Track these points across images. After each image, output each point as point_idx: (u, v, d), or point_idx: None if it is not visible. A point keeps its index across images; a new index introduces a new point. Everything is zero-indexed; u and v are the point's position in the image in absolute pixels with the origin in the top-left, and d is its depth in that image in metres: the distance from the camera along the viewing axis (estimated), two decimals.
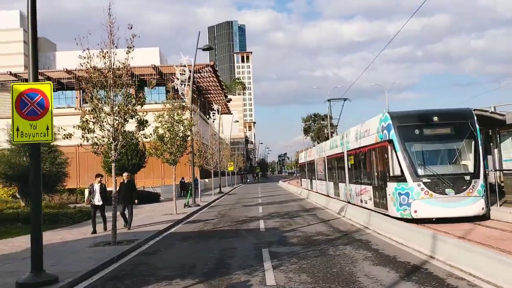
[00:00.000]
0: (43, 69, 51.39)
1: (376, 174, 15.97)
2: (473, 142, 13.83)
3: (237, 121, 65.70)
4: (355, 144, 18.79)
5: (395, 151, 13.99)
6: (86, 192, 31.25)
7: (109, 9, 11.75)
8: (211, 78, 55.18)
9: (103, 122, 11.43)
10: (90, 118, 11.34)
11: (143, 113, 12.34)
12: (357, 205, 17.89)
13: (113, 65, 11.69)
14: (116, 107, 11.46)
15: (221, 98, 65.81)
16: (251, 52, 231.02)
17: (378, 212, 14.69)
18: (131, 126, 12.22)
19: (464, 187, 13.28)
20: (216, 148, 36.32)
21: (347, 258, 8.98)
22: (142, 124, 12.27)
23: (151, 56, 51.56)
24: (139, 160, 31.18)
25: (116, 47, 11.75)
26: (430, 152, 14.19)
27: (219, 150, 40.49)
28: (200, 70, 50.06)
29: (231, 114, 73.02)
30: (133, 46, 12.22)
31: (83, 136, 11.24)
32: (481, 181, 13.45)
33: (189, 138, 20.62)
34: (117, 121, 11.53)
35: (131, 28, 12.17)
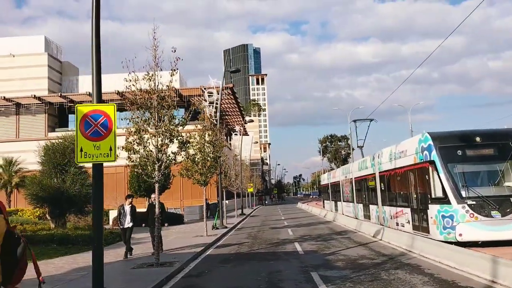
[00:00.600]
0: (66, 93, 52.51)
1: (415, 196, 15.66)
2: None
3: (256, 142, 65.71)
4: (389, 165, 18.54)
5: (437, 172, 13.73)
6: (112, 213, 31.42)
7: (154, 32, 11.97)
8: (229, 100, 55.55)
9: (146, 143, 11.51)
10: (135, 139, 11.42)
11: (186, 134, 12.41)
12: (391, 228, 17.53)
13: (157, 87, 11.84)
14: (162, 128, 11.52)
15: (239, 119, 66.14)
16: (266, 74, 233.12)
17: (418, 235, 14.34)
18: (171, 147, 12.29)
19: (510, 210, 12.92)
20: (238, 169, 36.23)
21: (405, 283, 8.71)
22: (184, 144, 12.30)
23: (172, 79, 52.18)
24: (164, 181, 31.25)
25: (161, 69, 11.92)
26: (473, 173, 13.89)
27: (241, 172, 40.42)
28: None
29: (248, 135, 73.21)
30: (177, 69, 12.41)
31: (128, 157, 11.30)
32: None
33: (220, 159, 20.60)
34: (161, 142, 11.60)
35: (175, 51, 12.35)
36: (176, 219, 29.98)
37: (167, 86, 12.00)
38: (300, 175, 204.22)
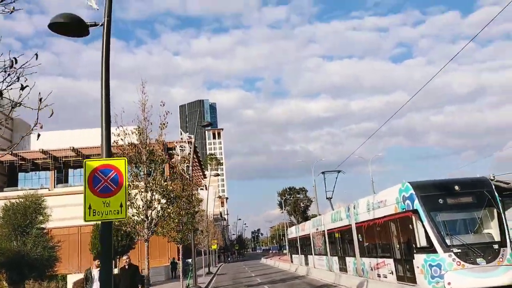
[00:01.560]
0: (18, 150, 50.18)
1: (398, 246, 15.79)
2: (495, 210, 14.07)
3: (220, 197, 64.84)
4: (366, 215, 18.72)
5: (421, 221, 13.99)
6: (70, 278, 29.24)
7: (143, 87, 11.90)
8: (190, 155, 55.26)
9: (134, 199, 11.08)
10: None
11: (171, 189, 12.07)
12: (373, 280, 17.43)
13: (146, 140, 11.60)
14: (152, 183, 11.17)
15: (199, 174, 65.42)
16: (222, 129, 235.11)
17: (405, 285, 14.32)
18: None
19: (494, 256, 13.24)
20: (204, 225, 35.32)
21: None
22: (175, 199, 11.93)
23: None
24: (129, 241, 29.92)
25: (151, 123, 11.74)
26: (455, 221, 14.27)
27: (207, 228, 39.42)
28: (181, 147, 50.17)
29: (206, 190, 72.19)
30: (167, 122, 12.27)
31: None
32: (509, 249, 13.49)
33: (196, 214, 20.05)
34: (150, 198, 11.19)
35: (164, 105, 12.29)
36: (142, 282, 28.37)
37: (157, 140, 11.78)
38: (259, 230, 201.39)
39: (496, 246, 13.42)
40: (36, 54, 3.95)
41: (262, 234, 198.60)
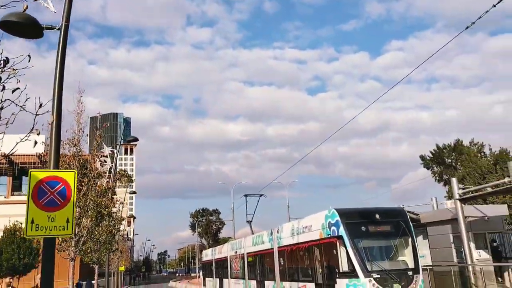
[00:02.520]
0: None
1: (320, 270, 16.35)
2: (409, 239, 15.25)
3: (132, 216, 62.21)
4: (290, 240, 19.19)
5: (345, 247, 14.69)
6: None
7: (81, 96, 11.32)
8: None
9: None
10: None
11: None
12: None
13: (80, 152, 10.98)
14: (81, 198, 10.54)
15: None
16: (136, 145, 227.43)
17: None
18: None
19: (409, 282, 14.29)
20: (120, 245, 33.60)
21: None
22: (108, 216, 11.32)
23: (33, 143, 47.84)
24: (32, 260, 27.55)
25: (87, 135, 11.16)
26: (375, 248, 15.20)
27: (118, 247, 37.48)
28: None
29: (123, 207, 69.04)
30: (103, 133, 11.73)
31: None
32: (421, 276, 14.66)
33: (118, 233, 19.06)
34: (79, 214, 10.53)
35: (100, 116, 11.76)
36: None
37: (92, 152, 11.20)
38: (166, 252, 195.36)
39: (410, 273, 14.49)
40: (29, 56, 3.65)
41: (169, 256, 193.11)
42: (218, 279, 34.55)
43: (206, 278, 39.94)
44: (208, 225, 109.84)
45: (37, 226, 6.32)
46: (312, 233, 16.97)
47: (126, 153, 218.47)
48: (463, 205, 15.57)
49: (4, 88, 3.68)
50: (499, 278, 16.38)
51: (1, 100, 3.72)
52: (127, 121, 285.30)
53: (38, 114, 3.82)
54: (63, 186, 6.59)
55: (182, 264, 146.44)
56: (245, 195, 31.22)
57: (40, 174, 6.54)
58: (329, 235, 15.57)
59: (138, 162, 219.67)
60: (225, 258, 31.80)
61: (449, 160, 60.13)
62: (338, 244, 15.02)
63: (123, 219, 19.45)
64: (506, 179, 13.72)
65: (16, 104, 3.89)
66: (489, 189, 16.05)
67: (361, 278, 14.12)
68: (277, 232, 21.15)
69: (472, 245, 15.56)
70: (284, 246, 19.93)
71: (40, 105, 3.82)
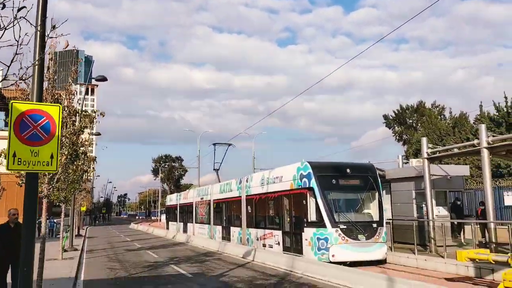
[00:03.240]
0: None
1: (288, 219, 16.83)
2: (376, 194, 15.84)
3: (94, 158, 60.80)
4: (259, 189, 19.52)
5: (315, 199, 15.11)
6: None
7: (52, 28, 10.57)
8: None
9: None
10: None
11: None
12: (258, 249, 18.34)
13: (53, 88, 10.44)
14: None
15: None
16: (97, 85, 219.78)
17: (290, 256, 15.38)
18: None
19: (373, 234, 14.99)
20: (88, 185, 33.09)
21: None
22: (77, 156, 10.99)
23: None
24: None
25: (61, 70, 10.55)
26: (344, 200, 15.73)
27: (85, 187, 36.97)
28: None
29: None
30: (78, 67, 11.17)
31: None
32: (384, 228, 15.39)
33: (86, 173, 18.64)
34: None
35: (75, 47, 11.13)
36: None
37: (66, 88, 10.68)
38: (126, 194, 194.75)
39: (375, 225, 15.17)
40: None
41: (129, 199, 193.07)
42: (182, 223, 35.06)
43: (170, 222, 40.44)
44: (171, 171, 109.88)
45: (19, 160, 6.02)
46: (283, 183, 17.27)
47: (87, 93, 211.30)
48: (430, 164, 16.17)
49: None
50: (456, 234, 17.45)
51: None
52: (88, 60, 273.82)
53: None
54: (47, 121, 6.25)
55: (142, 207, 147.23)
56: (214, 144, 31.21)
57: (22, 107, 6.15)
58: (300, 186, 15.90)
59: (99, 104, 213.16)
60: (191, 204, 32.14)
61: (411, 121, 61.77)
62: (308, 195, 15.40)
63: (95, 159, 18.96)
64: (475, 141, 14.26)
65: None
66: (456, 150, 16.69)
67: (328, 228, 14.66)
68: (246, 181, 21.42)
69: (434, 202, 16.34)
70: (253, 194, 20.27)
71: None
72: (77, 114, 10.58)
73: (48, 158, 6.23)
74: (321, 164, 16.14)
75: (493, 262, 9.96)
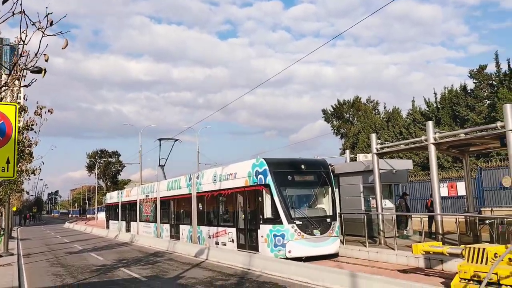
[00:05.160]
0: None
1: (243, 216, 16.67)
2: (330, 189, 16.12)
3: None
4: (211, 186, 19.17)
5: (271, 195, 15.07)
6: None
7: None
8: None
9: None
10: None
11: None
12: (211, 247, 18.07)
13: None
14: None
15: None
16: (25, 75, 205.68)
17: (246, 253, 15.29)
18: None
19: (327, 228, 15.25)
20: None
21: None
22: (23, 156, 10.07)
23: None
24: None
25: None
26: (299, 196, 15.84)
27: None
28: None
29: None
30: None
31: None
32: (337, 223, 15.72)
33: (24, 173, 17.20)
34: None
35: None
36: None
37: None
38: (57, 192, 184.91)
39: (329, 220, 15.44)
40: None
41: (60, 196, 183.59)
42: (124, 222, 33.81)
43: (111, 221, 38.85)
44: (107, 167, 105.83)
45: None
46: (237, 180, 17.07)
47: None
48: (378, 159, 16.72)
49: None
50: (404, 226, 18.22)
51: None
52: (13, 47, 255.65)
53: None
54: (1, 122, 5.59)
55: (75, 205, 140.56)
56: (160, 139, 30.29)
57: None
58: (256, 183, 15.79)
59: (27, 95, 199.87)
60: (134, 202, 31.03)
61: (348, 115, 64.00)
62: (264, 192, 15.34)
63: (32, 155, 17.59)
64: (423, 137, 14.90)
65: None
66: (403, 146, 17.38)
67: (285, 224, 14.70)
68: (197, 178, 20.97)
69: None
70: (204, 192, 19.89)
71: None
72: (24, 111, 9.65)
73: (4, 163, 5.59)
74: (277, 161, 16.13)
75: (447, 255, 10.44)
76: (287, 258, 14.31)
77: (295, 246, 14.62)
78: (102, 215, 63.17)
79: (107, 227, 39.11)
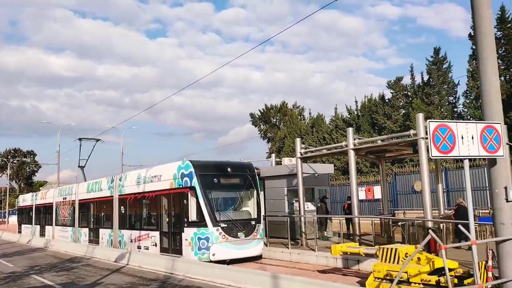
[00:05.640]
0: None
1: (167, 219, 16.33)
2: (255, 191, 16.31)
3: None
4: (135, 188, 18.56)
5: (197, 198, 14.93)
6: None
7: None
8: None
9: None
10: None
11: None
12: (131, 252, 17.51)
13: None
14: None
15: None
16: None
17: (169, 256, 15.02)
18: None
19: (251, 231, 15.41)
20: None
21: None
22: None
23: None
24: None
25: None
26: (224, 199, 15.84)
27: None
28: None
29: None
30: None
31: None
32: (262, 225, 15.94)
33: None
34: None
35: None
36: None
37: None
38: None
39: (253, 223, 15.62)
40: None
41: None
42: (38, 226, 31.69)
43: (23, 225, 36.20)
44: (21, 167, 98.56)
45: None
46: (162, 182, 16.71)
47: None
48: (302, 163, 17.23)
49: None
50: (324, 227, 18.88)
51: None
52: None
53: None
54: None
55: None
56: (80, 139, 28.77)
57: None
58: (181, 186, 15.55)
59: None
60: (50, 204, 29.20)
61: (275, 120, 65.36)
62: (189, 194, 15.16)
63: None
64: (344, 143, 15.61)
65: None
66: (325, 151, 18.07)
67: (210, 227, 14.64)
68: (120, 180, 20.22)
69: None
70: (127, 194, 19.23)
71: None
72: None
73: None
74: (203, 163, 16.01)
75: (363, 255, 11.00)
76: (211, 261, 14.25)
77: (220, 249, 14.60)
78: (14, 219, 58.62)
79: (19, 231, 36.36)
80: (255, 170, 17.03)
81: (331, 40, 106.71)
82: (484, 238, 12.26)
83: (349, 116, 45.40)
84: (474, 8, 7.65)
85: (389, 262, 9.44)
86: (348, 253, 11.51)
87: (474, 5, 7.64)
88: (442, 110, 35.50)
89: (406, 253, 9.19)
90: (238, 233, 15.05)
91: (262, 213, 16.87)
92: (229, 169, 16.00)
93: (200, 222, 14.79)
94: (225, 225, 14.88)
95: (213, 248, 14.53)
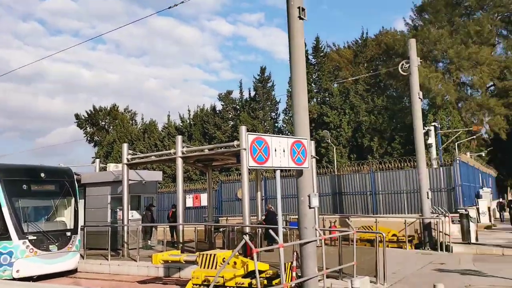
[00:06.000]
0: None
1: None
2: (72, 200, 14.99)
3: None
4: None
5: (0, 207, 13.00)
6: None
7: None
8: None
9: None
10: None
11: None
12: None
13: None
14: None
15: None
16: None
17: None
18: None
19: (66, 243, 14.09)
20: None
21: None
22: None
23: None
24: None
25: None
26: (36, 208, 14.18)
27: None
28: None
29: None
30: None
31: None
32: (78, 236, 14.71)
33: None
34: None
35: None
36: None
37: None
38: None
39: (69, 234, 14.35)
40: None
41: None
42: None
43: None
44: None
45: None
46: None
47: None
48: (129, 169, 16.54)
49: None
50: (148, 236, 18.35)
51: None
52: None
53: None
54: None
55: None
56: None
57: None
58: None
59: None
60: None
61: (103, 123, 61.89)
62: None
63: None
64: (172, 151, 15.54)
65: None
66: (154, 158, 17.72)
67: (14, 241, 12.94)
68: None
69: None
70: None
71: None
72: None
73: None
74: (10, 167, 14.05)
75: (184, 262, 11.03)
76: (14, 279, 12.55)
77: (25, 264, 12.96)
78: None
79: None
80: (75, 176, 15.69)
81: (167, 46, 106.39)
82: (292, 241, 13.55)
83: (181, 124, 45.77)
84: (290, 37, 8.53)
85: (208, 267, 9.66)
86: (169, 261, 11.41)
87: (290, 34, 8.53)
88: (265, 124, 38.58)
89: (224, 258, 9.53)
90: (50, 246, 13.60)
91: (81, 223, 15.64)
92: (42, 175, 14.38)
93: (3, 235, 12.91)
94: (34, 238, 13.29)
95: (17, 264, 12.81)
